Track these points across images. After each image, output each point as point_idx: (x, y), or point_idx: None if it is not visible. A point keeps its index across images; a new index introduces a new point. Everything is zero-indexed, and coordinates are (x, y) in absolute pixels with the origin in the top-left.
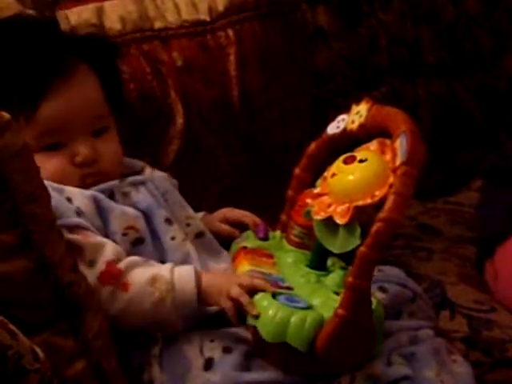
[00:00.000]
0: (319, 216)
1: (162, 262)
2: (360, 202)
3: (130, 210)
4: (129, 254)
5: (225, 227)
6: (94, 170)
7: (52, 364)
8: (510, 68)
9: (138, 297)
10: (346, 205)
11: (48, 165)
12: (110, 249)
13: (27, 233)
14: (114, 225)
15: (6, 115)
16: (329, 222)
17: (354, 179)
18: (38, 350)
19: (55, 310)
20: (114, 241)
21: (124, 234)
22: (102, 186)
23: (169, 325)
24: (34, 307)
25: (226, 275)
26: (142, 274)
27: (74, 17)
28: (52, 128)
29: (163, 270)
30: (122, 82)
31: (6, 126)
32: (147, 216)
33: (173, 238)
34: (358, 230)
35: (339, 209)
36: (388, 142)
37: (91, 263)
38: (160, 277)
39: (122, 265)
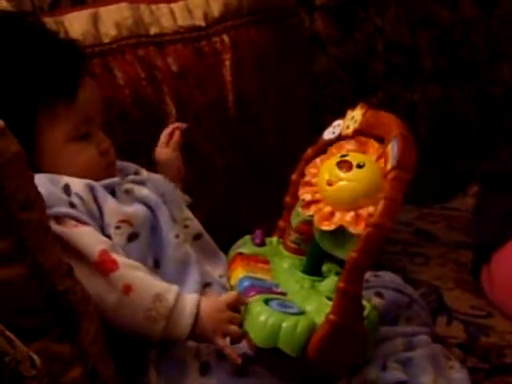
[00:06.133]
0: (327, 227)
1: (157, 260)
2: (370, 209)
3: (126, 205)
4: (123, 249)
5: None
6: (111, 159)
7: (49, 371)
8: (506, 74)
9: (135, 304)
10: (352, 212)
11: (83, 156)
12: (95, 237)
13: (22, 239)
14: (107, 217)
15: (0, 122)
16: (335, 231)
17: (360, 186)
18: (34, 356)
19: (51, 316)
20: (110, 234)
21: (117, 227)
22: (103, 182)
23: (148, 339)
24: (29, 314)
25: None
26: (149, 285)
27: (70, 22)
28: (87, 116)
29: (171, 292)
30: None
31: None
32: (154, 211)
33: (177, 236)
34: None
35: (348, 217)
36: (364, 139)
37: (80, 255)
38: (164, 299)
39: (119, 259)
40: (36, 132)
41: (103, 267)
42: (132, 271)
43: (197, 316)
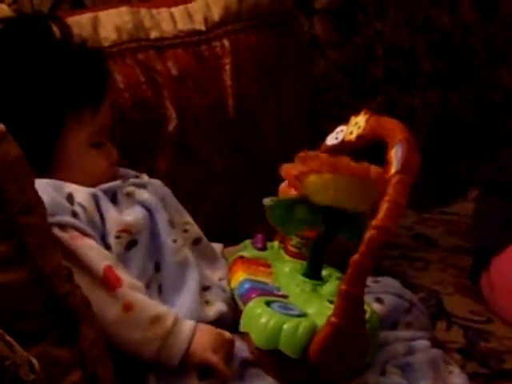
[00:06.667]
0: None
1: (157, 263)
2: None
3: (126, 214)
4: (122, 257)
5: None
6: (117, 170)
7: (48, 375)
8: (505, 78)
9: (133, 323)
10: None
11: (99, 160)
12: (101, 252)
13: (22, 244)
14: (109, 225)
15: (1, 126)
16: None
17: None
18: (33, 360)
19: (50, 320)
20: (109, 243)
21: (117, 237)
22: (105, 185)
23: (140, 359)
24: (29, 318)
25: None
26: (150, 306)
27: (70, 26)
28: (105, 125)
29: (170, 315)
30: None
31: (0, 136)
32: (153, 215)
33: (174, 241)
34: None
35: None
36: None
37: (84, 266)
38: (162, 321)
39: (123, 277)
40: (61, 134)
41: (107, 283)
42: (134, 291)
43: (191, 340)
